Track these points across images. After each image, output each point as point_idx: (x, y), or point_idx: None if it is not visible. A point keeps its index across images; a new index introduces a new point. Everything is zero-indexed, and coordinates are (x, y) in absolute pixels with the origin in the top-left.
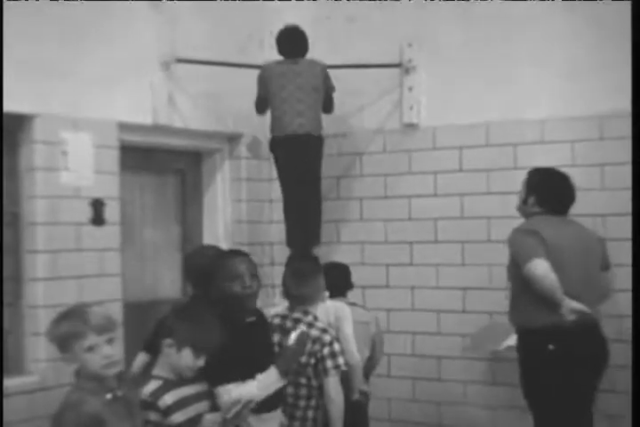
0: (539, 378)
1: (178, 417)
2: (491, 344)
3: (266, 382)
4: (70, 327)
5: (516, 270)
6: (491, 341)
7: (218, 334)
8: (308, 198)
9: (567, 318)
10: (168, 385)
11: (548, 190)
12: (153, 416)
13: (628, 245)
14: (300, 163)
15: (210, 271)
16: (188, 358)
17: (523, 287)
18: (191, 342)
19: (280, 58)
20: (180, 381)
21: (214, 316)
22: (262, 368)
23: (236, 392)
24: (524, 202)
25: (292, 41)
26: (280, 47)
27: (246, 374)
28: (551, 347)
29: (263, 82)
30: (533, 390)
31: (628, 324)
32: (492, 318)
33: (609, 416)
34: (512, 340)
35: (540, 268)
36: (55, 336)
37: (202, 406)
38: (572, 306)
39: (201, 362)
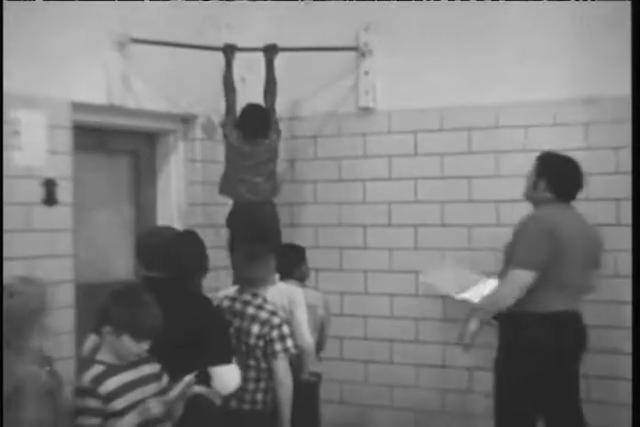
0: (525, 364)
1: (119, 404)
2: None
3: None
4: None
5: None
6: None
7: (158, 317)
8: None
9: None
10: (111, 370)
11: (559, 175)
12: (93, 403)
13: None
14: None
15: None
16: (128, 344)
17: None
18: (129, 328)
19: None
20: (125, 365)
21: (154, 299)
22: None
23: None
24: (534, 187)
25: (255, 122)
26: (242, 124)
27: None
28: (550, 333)
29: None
30: (514, 376)
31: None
32: (445, 302)
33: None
34: (469, 293)
35: (522, 284)
36: None
37: (147, 389)
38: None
39: (144, 346)
